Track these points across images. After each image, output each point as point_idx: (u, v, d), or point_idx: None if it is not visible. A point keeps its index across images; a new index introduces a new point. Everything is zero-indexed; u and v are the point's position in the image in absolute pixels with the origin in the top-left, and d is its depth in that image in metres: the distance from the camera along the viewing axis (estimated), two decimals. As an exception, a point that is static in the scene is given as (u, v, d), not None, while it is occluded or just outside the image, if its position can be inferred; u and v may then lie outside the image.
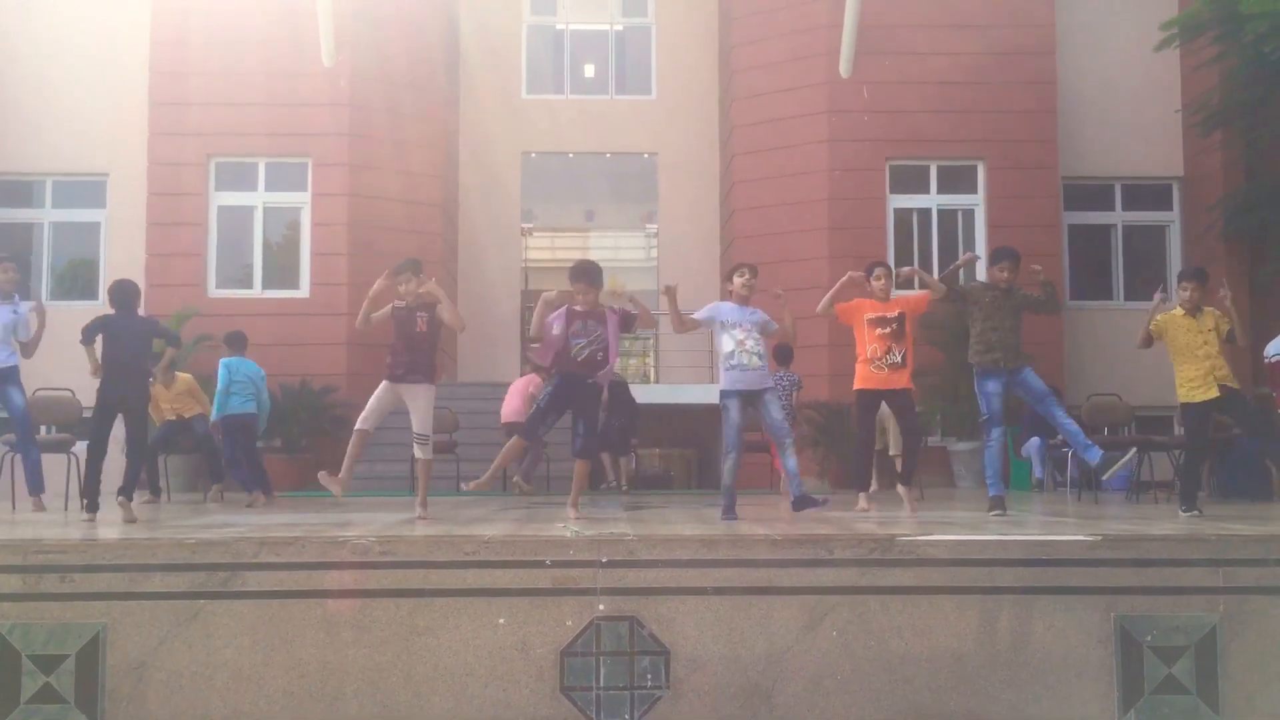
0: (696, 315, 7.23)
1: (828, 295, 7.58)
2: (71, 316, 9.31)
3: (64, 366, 8.82)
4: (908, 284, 8.95)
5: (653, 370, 17.99)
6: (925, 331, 12.67)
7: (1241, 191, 13.90)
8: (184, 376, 10.44)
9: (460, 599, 5.13)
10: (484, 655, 5.08)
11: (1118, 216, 15.20)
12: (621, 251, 19.77)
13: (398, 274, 7.14)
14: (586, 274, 6.96)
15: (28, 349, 8.00)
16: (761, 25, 14.76)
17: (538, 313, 7.00)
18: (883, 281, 7.49)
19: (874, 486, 8.49)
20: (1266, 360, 9.14)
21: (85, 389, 8.24)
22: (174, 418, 10.21)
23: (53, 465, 8.96)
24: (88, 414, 8.81)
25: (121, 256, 14.29)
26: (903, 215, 14.32)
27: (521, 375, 13.35)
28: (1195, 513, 7.17)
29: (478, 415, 12.86)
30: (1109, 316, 14.42)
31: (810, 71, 14.29)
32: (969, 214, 14.38)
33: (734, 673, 5.10)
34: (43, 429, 9.80)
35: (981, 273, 10.88)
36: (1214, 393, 7.30)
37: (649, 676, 5.07)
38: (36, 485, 7.78)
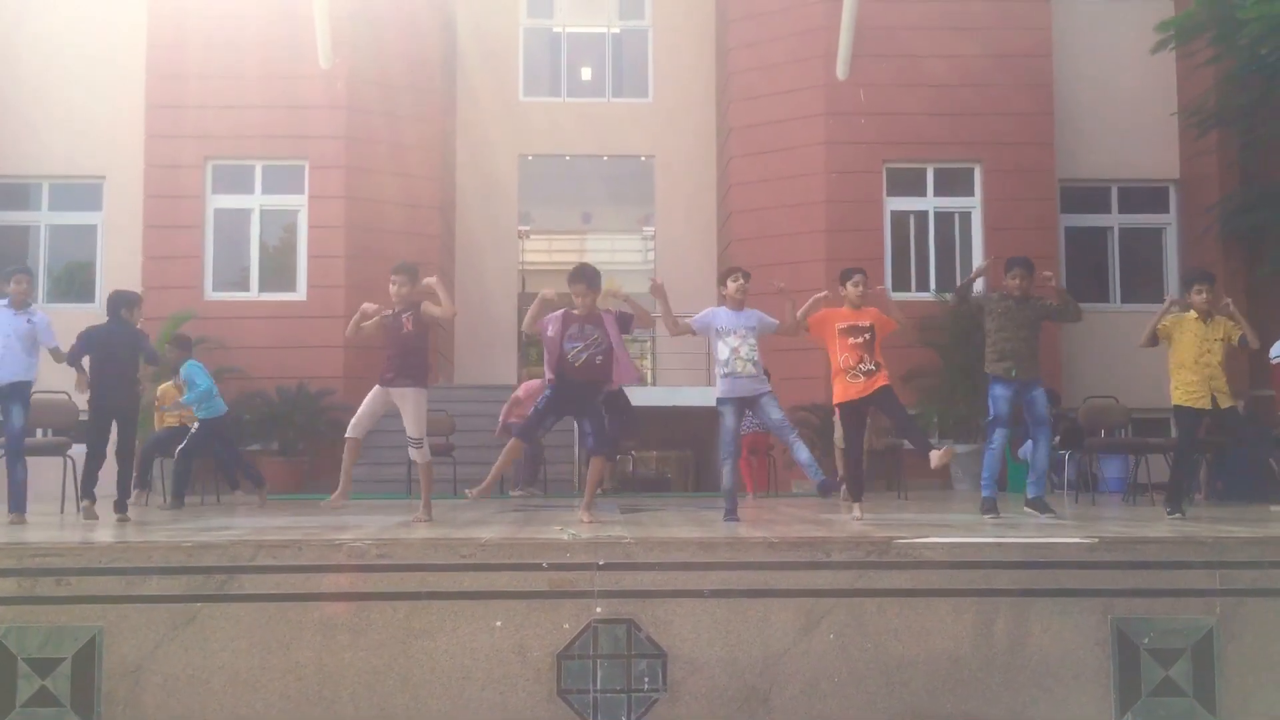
0: (691, 321, 7.25)
1: (801, 310, 7.41)
2: (68, 320, 9.32)
3: (60, 370, 8.77)
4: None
5: (650, 373, 17.98)
6: (923, 334, 12.69)
7: (1238, 193, 13.92)
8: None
9: (457, 602, 5.13)
10: (481, 658, 5.08)
11: (1114, 219, 15.21)
12: (618, 254, 19.74)
13: (394, 273, 7.16)
14: (585, 277, 6.92)
15: (58, 355, 7.98)
16: (758, 28, 14.77)
17: (534, 307, 6.97)
18: (860, 288, 7.36)
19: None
20: (1272, 361, 9.17)
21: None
22: (176, 423, 10.20)
23: (49, 468, 8.94)
24: (84, 418, 8.82)
25: (118, 259, 14.28)
26: (900, 218, 14.32)
27: (519, 381, 13.34)
28: (1178, 515, 7.21)
29: (474, 418, 12.86)
30: (1106, 319, 14.41)
31: (807, 74, 14.30)
32: (966, 217, 14.39)
33: (731, 675, 5.10)
34: (39, 432, 9.78)
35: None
36: (1207, 404, 7.35)
37: (646, 679, 5.07)
38: (19, 504, 7.69)
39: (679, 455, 15.48)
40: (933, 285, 14.03)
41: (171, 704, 5.01)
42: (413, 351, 7.12)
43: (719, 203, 16.18)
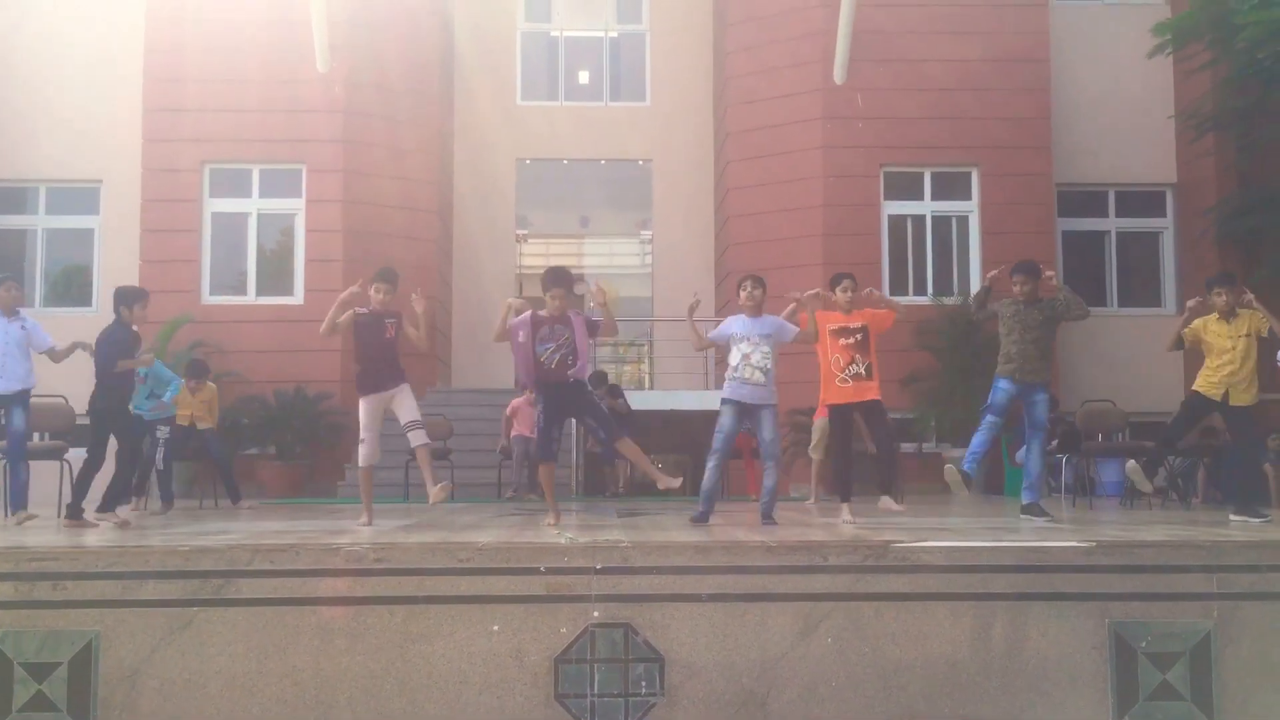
0: (711, 335, 7.38)
1: (788, 310, 7.53)
2: (65, 324, 9.31)
3: (57, 373, 8.78)
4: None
5: (648, 377, 17.98)
6: (920, 338, 12.72)
7: (1235, 197, 13.94)
8: (210, 386, 10.48)
9: (455, 606, 5.12)
10: (478, 662, 5.08)
11: (1111, 223, 15.23)
12: (616, 258, 19.75)
13: (375, 281, 7.19)
14: (563, 279, 6.99)
15: (58, 357, 7.98)
16: (756, 32, 14.79)
17: (501, 317, 7.00)
18: (849, 293, 7.46)
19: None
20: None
21: (78, 396, 8.22)
22: (186, 424, 10.19)
23: (47, 472, 8.94)
24: (81, 421, 8.82)
25: (115, 263, 14.26)
26: (897, 222, 14.34)
27: (515, 384, 13.35)
28: (1150, 489, 7.57)
29: (471, 421, 12.86)
30: (1103, 323, 14.42)
31: (805, 78, 14.31)
32: (963, 220, 14.40)
33: (729, 679, 5.10)
34: (35, 436, 9.77)
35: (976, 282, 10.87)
36: (1218, 396, 7.52)
37: (643, 683, 5.07)
38: (20, 502, 7.82)
39: (677, 459, 15.46)
40: (930, 289, 14.05)
41: (168, 708, 5.00)
42: (392, 356, 7.26)
43: (717, 207, 16.19)
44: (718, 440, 7.19)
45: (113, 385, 7.44)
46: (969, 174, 14.34)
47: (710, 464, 7.25)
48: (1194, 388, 7.71)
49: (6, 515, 8.69)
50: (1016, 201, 14.08)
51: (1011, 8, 14.35)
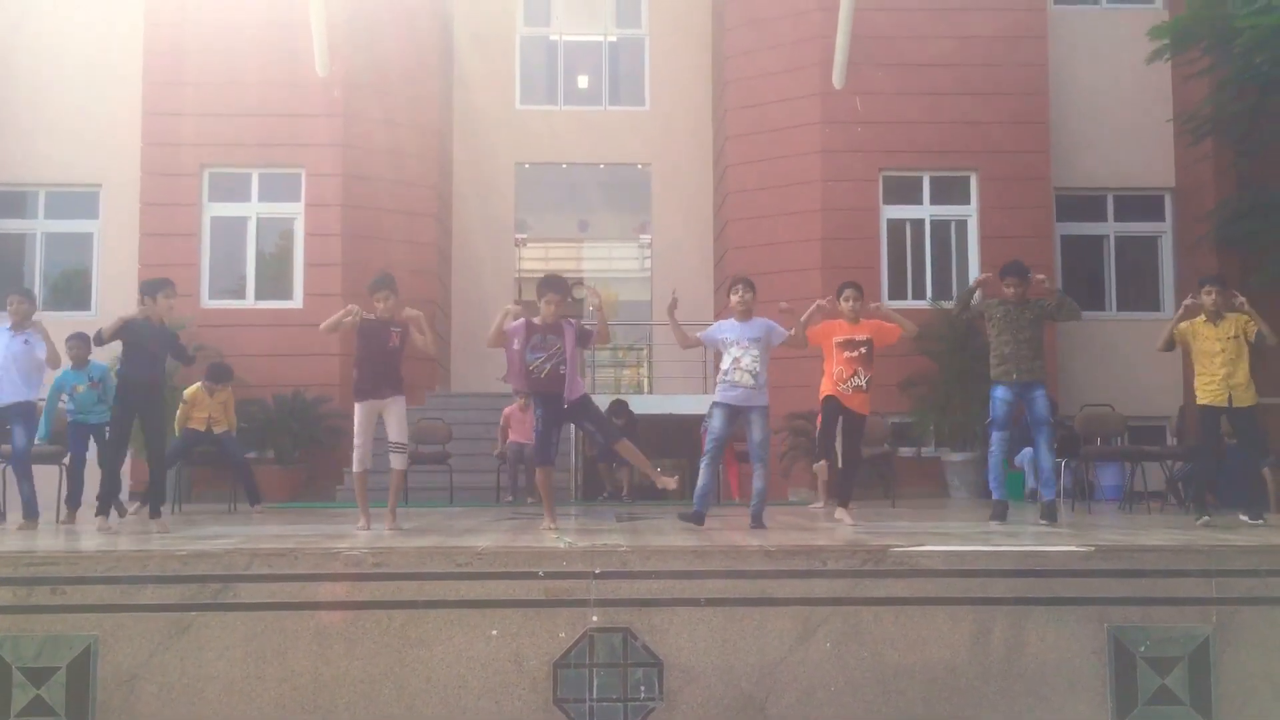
0: (701, 335, 7.43)
1: (800, 319, 7.60)
2: (64, 328, 9.28)
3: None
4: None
5: (646, 381, 17.98)
6: (920, 342, 12.70)
7: (1233, 201, 13.95)
8: (227, 389, 10.49)
9: (453, 610, 5.12)
10: (477, 667, 5.07)
11: (1110, 227, 15.23)
12: (615, 262, 19.77)
13: (376, 291, 7.16)
14: (559, 286, 7.01)
15: (55, 359, 7.99)
16: (755, 36, 14.80)
17: (497, 322, 7.01)
18: (851, 303, 7.56)
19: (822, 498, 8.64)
20: None
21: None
22: (202, 428, 10.18)
23: (46, 476, 8.92)
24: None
25: (114, 267, 14.28)
26: (896, 226, 14.34)
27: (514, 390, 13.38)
28: (1206, 518, 7.34)
29: (471, 426, 12.86)
30: (1102, 327, 14.45)
31: (803, 82, 14.33)
32: (962, 225, 14.41)
33: (727, 684, 5.10)
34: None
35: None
36: (1224, 401, 7.55)
37: (642, 688, 5.07)
38: (31, 512, 7.86)
39: (675, 463, 15.45)
40: (929, 293, 14.05)
41: (166, 713, 5.00)
42: (396, 366, 7.24)
43: (716, 211, 16.20)
44: (709, 442, 7.31)
45: (124, 383, 7.43)
46: (968, 178, 14.35)
47: (703, 465, 7.37)
48: (1199, 402, 7.70)
49: (4, 518, 8.71)
50: (1015, 206, 14.09)
51: (1010, 12, 14.36)
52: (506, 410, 11.97)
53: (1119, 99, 14.88)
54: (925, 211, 14.38)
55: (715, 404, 7.31)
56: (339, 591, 5.15)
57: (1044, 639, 5.17)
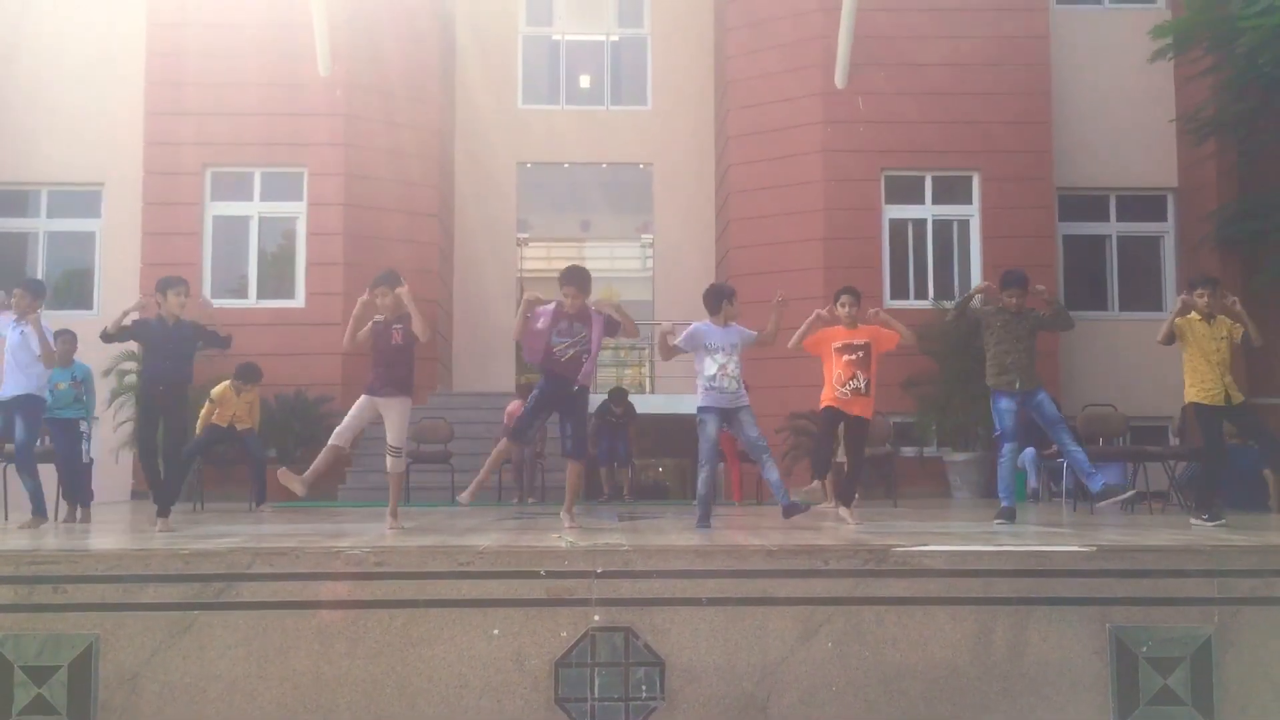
0: (679, 343, 7.40)
1: (796, 334, 7.68)
2: (66, 327, 9.29)
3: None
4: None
5: (648, 381, 17.98)
6: (921, 342, 12.67)
7: (1236, 202, 13.95)
8: (253, 389, 10.59)
9: (455, 610, 5.11)
10: (478, 666, 5.07)
11: (1112, 227, 15.22)
12: (617, 262, 19.77)
13: (375, 287, 7.13)
14: (576, 279, 6.98)
15: (47, 359, 7.94)
16: (757, 36, 14.80)
17: (520, 314, 7.03)
18: (848, 309, 7.58)
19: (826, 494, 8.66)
20: None
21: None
22: (225, 425, 10.19)
23: (44, 476, 8.92)
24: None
25: (117, 266, 14.29)
26: (898, 226, 14.33)
27: (516, 388, 13.41)
28: (1221, 521, 7.28)
29: (472, 425, 12.86)
30: (1104, 327, 14.43)
31: (805, 82, 14.32)
32: (964, 225, 14.40)
33: (729, 683, 5.09)
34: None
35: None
36: (1221, 400, 7.55)
37: (644, 687, 5.06)
38: (39, 509, 7.87)
39: (677, 463, 15.47)
40: (931, 293, 14.05)
41: (168, 712, 5.00)
42: (400, 363, 7.13)
43: (717, 210, 16.20)
44: (705, 449, 7.34)
45: (141, 385, 7.41)
46: (970, 178, 14.34)
47: (703, 474, 7.41)
48: (1196, 401, 7.64)
49: (6, 518, 8.72)
50: (1017, 206, 14.09)
51: (1012, 11, 14.36)
52: (510, 407, 11.99)
53: (1121, 99, 14.87)
54: (927, 211, 14.38)
55: (704, 409, 7.29)
56: (341, 591, 5.14)
57: (1046, 639, 5.16)
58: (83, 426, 8.86)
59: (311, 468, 7.09)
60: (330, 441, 7.13)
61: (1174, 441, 12.24)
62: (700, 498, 7.31)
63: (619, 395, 12.57)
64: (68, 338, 8.86)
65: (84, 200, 14.84)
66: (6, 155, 14.47)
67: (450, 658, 5.07)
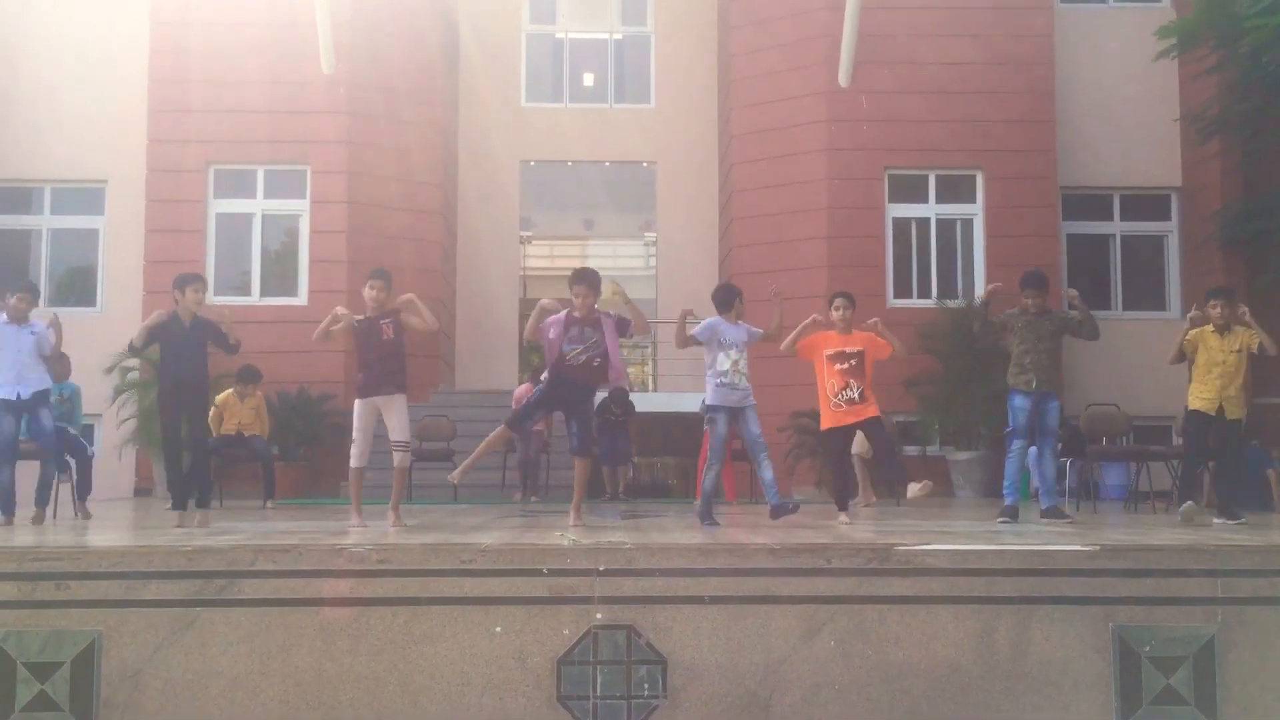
0: (695, 332, 7.39)
1: (790, 336, 7.64)
2: (69, 324, 9.29)
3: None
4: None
5: (651, 379, 17.98)
6: (924, 341, 12.69)
7: (1240, 201, 13.92)
8: (258, 394, 10.62)
9: (457, 607, 5.12)
10: (481, 664, 5.07)
11: (1116, 226, 15.20)
12: (620, 260, 19.77)
13: (368, 281, 7.13)
14: (586, 279, 7.00)
15: (51, 364, 7.95)
16: (761, 34, 14.79)
17: (534, 317, 7.06)
18: (841, 312, 7.51)
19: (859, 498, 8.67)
20: None
21: (87, 397, 8.23)
22: (233, 432, 10.24)
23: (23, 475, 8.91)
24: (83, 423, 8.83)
25: (120, 264, 14.30)
26: (901, 224, 14.32)
27: (520, 384, 13.40)
28: (1189, 503, 7.45)
29: (475, 423, 12.83)
30: (1107, 326, 14.20)
31: (809, 81, 14.31)
32: (967, 224, 14.39)
33: (731, 682, 5.09)
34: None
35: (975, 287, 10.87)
36: (1214, 410, 7.61)
37: (646, 685, 5.06)
38: (43, 499, 7.90)
39: (679, 461, 15.44)
40: (934, 292, 14.04)
41: (170, 709, 5.00)
42: (393, 357, 7.13)
43: (721, 209, 16.19)
44: (715, 448, 7.37)
45: (160, 384, 7.42)
46: (973, 177, 14.33)
47: (712, 473, 7.45)
48: (1190, 406, 7.77)
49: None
50: (1021, 205, 14.07)
51: (1016, 10, 14.34)
52: (518, 391, 12.10)
53: (1125, 98, 14.85)
54: (931, 210, 14.37)
55: (713, 408, 7.30)
56: (343, 588, 5.15)
57: (1049, 638, 5.16)
58: (71, 431, 8.99)
59: (353, 503, 7.24)
60: (352, 465, 7.23)
61: (1177, 441, 12.22)
62: (706, 495, 7.34)
63: (619, 395, 12.55)
64: (60, 359, 8.87)
65: (87, 198, 14.84)
66: (10, 152, 14.47)
67: (453, 655, 5.07)
